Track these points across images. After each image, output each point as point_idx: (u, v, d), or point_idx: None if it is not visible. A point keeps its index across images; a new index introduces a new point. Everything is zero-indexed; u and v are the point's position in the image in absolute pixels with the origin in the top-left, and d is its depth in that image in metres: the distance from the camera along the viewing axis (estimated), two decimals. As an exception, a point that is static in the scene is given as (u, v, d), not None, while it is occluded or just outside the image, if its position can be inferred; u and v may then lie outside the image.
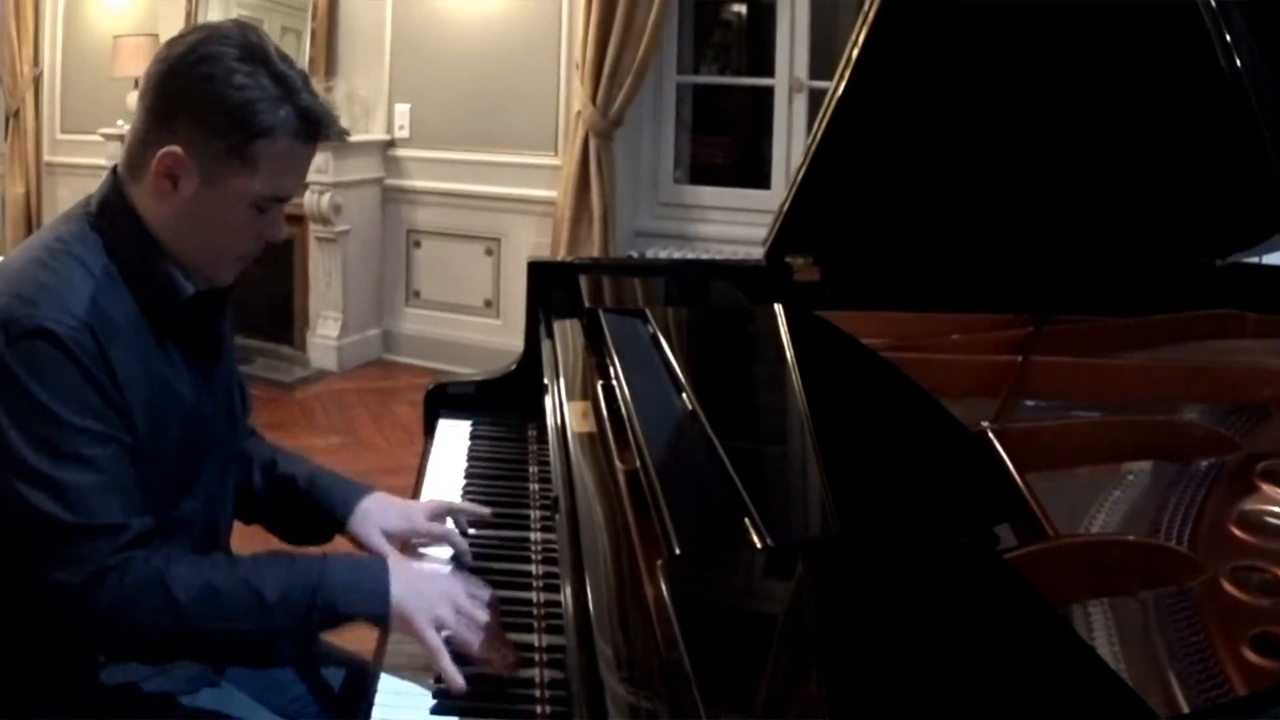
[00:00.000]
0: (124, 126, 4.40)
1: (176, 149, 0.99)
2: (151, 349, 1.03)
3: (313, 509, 1.20)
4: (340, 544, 1.19)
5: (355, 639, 1.38)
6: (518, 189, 3.96)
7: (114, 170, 1.06)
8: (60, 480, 0.92)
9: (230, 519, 1.20)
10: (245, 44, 1.00)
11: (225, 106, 0.98)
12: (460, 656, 0.97)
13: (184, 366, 1.07)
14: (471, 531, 1.23)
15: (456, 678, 0.94)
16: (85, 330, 0.96)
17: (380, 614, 0.97)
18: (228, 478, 1.17)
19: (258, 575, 0.96)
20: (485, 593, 1.03)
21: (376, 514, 1.19)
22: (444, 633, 0.97)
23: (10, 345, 0.94)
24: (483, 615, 0.99)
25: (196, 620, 0.93)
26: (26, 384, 0.93)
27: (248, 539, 1.21)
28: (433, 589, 0.99)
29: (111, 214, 1.04)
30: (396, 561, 1.00)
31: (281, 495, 1.22)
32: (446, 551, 1.19)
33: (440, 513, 1.23)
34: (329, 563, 0.98)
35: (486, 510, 1.26)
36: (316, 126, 1.02)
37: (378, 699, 0.96)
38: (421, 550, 1.20)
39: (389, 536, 1.18)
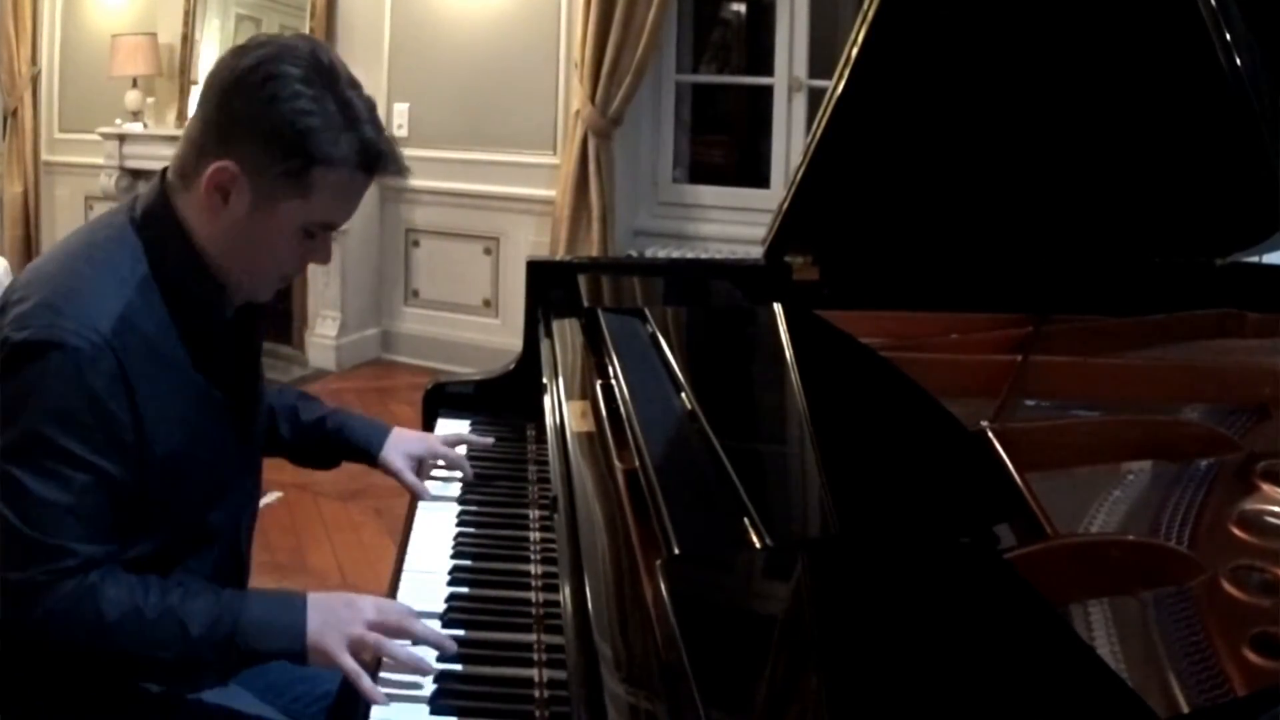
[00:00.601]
0: (122, 126, 4.41)
1: (231, 165, 0.97)
2: (183, 363, 1.02)
3: (341, 447, 1.33)
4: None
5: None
6: (517, 188, 3.96)
7: (163, 175, 1.04)
8: (30, 490, 0.92)
9: (252, 522, 1.21)
10: (315, 65, 0.98)
11: (286, 130, 0.96)
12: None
13: (217, 381, 1.07)
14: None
15: (377, 696, 0.94)
16: (106, 348, 0.95)
17: (298, 650, 0.97)
18: (255, 486, 1.20)
19: (185, 607, 0.96)
20: (396, 605, 1.04)
21: (400, 444, 1.34)
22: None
23: (24, 351, 0.93)
24: (393, 619, 0.98)
25: (121, 641, 0.94)
26: (27, 392, 0.93)
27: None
28: (344, 614, 0.98)
29: (156, 221, 1.02)
30: (315, 597, 1.00)
31: (310, 439, 1.32)
32: (455, 474, 1.37)
33: (452, 441, 1.41)
34: (251, 601, 0.99)
35: (490, 440, 1.44)
36: (376, 161, 1.01)
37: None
38: (434, 471, 1.37)
39: (411, 459, 1.33)
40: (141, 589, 0.97)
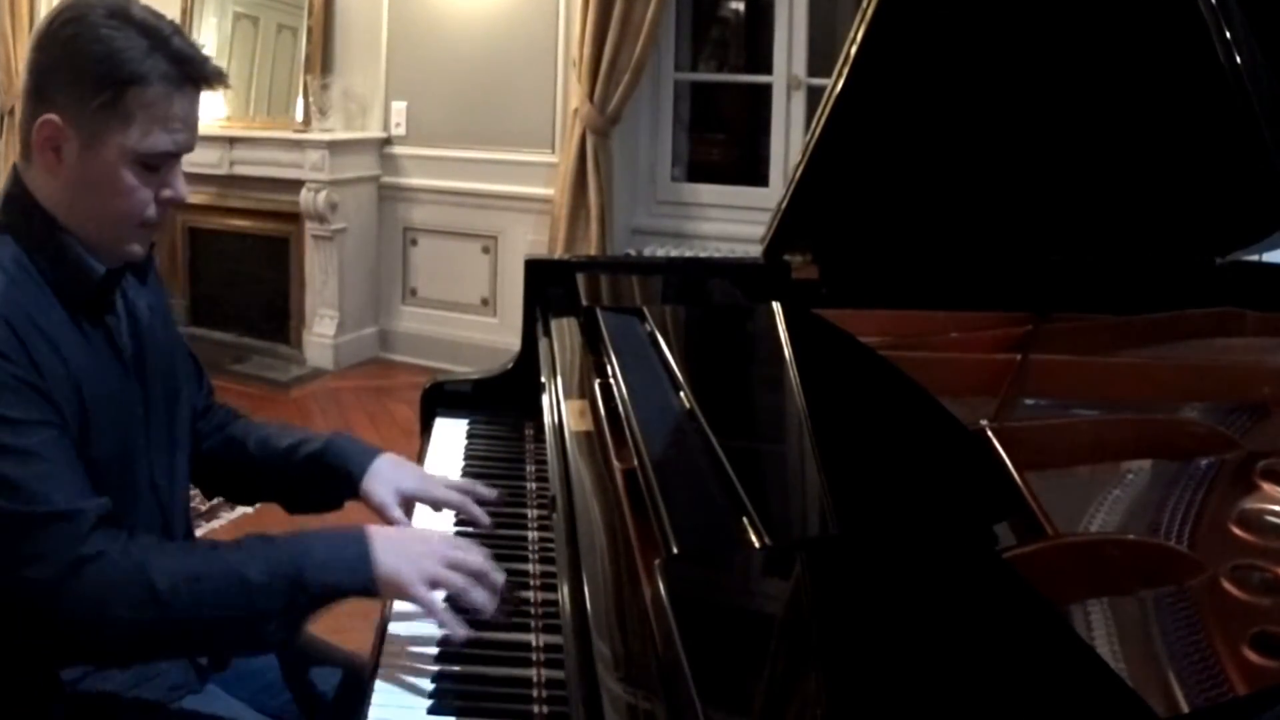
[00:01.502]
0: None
1: (52, 116, 0.97)
2: (70, 337, 1.00)
3: (324, 474, 1.18)
4: (350, 513, 1.16)
5: (352, 638, 1.37)
6: (515, 187, 3.96)
7: (14, 164, 1.04)
8: (4, 474, 0.90)
9: (185, 507, 1.17)
10: (111, 5, 0.98)
11: (91, 62, 0.96)
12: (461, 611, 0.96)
13: (108, 351, 1.04)
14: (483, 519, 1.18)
15: (458, 628, 0.93)
16: (3, 322, 0.94)
17: (368, 583, 0.94)
18: (175, 463, 1.13)
19: (239, 559, 0.93)
20: (471, 545, 1.01)
21: (391, 474, 1.17)
22: (440, 593, 0.96)
23: None
24: (475, 560, 0.97)
25: (180, 610, 0.90)
26: None
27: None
28: (417, 548, 0.97)
29: (14, 205, 1.02)
30: (376, 528, 0.98)
31: (288, 465, 1.19)
32: (449, 517, 1.19)
33: (458, 487, 1.21)
34: (309, 538, 0.96)
35: (495, 493, 1.22)
36: (188, 68, 0.99)
37: (374, 699, 0.96)
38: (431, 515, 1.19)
39: (402, 497, 1.16)
40: (189, 551, 0.96)
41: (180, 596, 0.91)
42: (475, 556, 0.98)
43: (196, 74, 1.00)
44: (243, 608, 0.92)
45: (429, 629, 1.06)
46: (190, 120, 1.01)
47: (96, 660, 1.01)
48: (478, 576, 0.97)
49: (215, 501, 1.21)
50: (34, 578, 0.89)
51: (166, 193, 1.02)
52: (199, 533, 1.21)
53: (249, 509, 2.81)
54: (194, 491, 1.25)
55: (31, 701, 1.01)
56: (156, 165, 1.00)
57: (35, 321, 0.97)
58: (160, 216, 1.04)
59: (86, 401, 1.00)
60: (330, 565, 0.94)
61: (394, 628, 1.06)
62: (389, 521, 1.14)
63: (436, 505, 1.18)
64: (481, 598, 0.96)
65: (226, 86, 1.05)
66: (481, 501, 1.19)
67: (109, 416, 1.02)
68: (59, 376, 0.97)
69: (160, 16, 1.01)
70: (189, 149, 1.03)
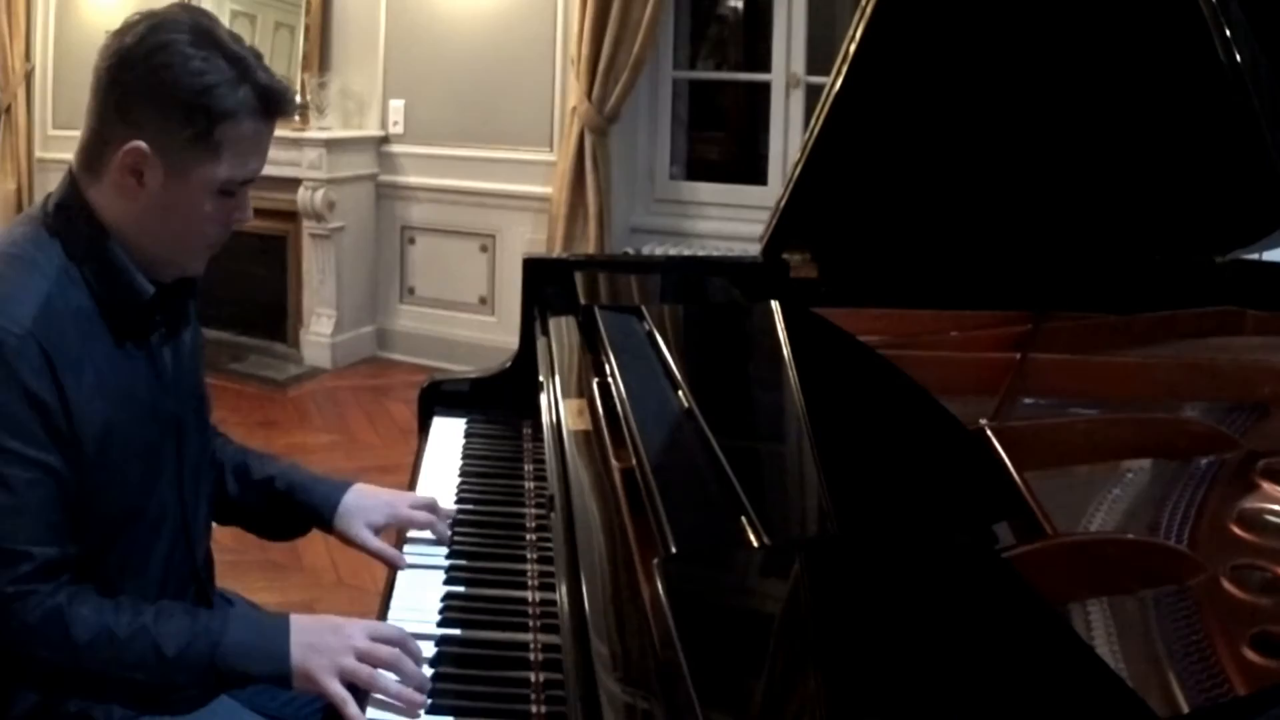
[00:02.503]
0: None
1: (139, 144, 0.97)
2: (110, 349, 1.01)
3: (295, 510, 1.21)
4: (317, 538, 1.18)
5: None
6: (513, 185, 3.95)
7: (69, 170, 1.03)
8: None
9: (207, 520, 1.18)
10: (196, 28, 0.98)
11: (185, 94, 0.96)
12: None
13: (145, 365, 1.05)
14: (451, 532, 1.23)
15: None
16: (31, 340, 0.94)
17: (282, 674, 0.96)
18: (200, 477, 1.15)
19: (159, 627, 0.94)
20: (392, 630, 1.00)
21: (359, 510, 1.20)
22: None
23: None
24: (385, 653, 0.96)
25: (91, 663, 0.92)
26: None
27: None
28: (332, 641, 0.97)
29: (68, 215, 1.01)
30: (299, 620, 0.98)
31: (259, 498, 1.22)
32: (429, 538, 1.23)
33: (422, 504, 1.24)
34: (230, 623, 0.97)
35: (454, 509, 1.28)
36: (275, 103, 1.00)
37: (371, 699, 0.96)
38: (410, 536, 1.22)
39: (376, 530, 1.19)
40: (112, 609, 0.95)
41: (96, 651, 0.92)
42: (383, 649, 0.97)
43: (280, 106, 1.01)
44: (154, 674, 0.93)
45: (427, 629, 1.06)
46: (267, 147, 1.04)
47: (18, 687, 1.01)
48: (391, 664, 0.96)
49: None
50: None
51: (237, 215, 1.04)
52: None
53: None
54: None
55: (25, 697, 1.02)
56: (234, 192, 1.02)
57: (74, 336, 0.98)
58: (226, 237, 1.06)
59: (120, 413, 1.00)
60: (246, 653, 0.95)
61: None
62: (369, 552, 1.19)
63: (404, 525, 1.23)
64: (393, 687, 0.95)
65: (298, 111, 1.06)
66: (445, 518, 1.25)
67: (140, 429, 1.03)
68: (91, 391, 0.98)
69: (239, 40, 1.01)
70: (260, 172, 1.05)
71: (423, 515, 1.22)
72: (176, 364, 1.10)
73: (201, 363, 1.19)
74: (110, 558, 1.03)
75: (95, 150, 1.00)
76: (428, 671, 0.99)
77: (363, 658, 0.96)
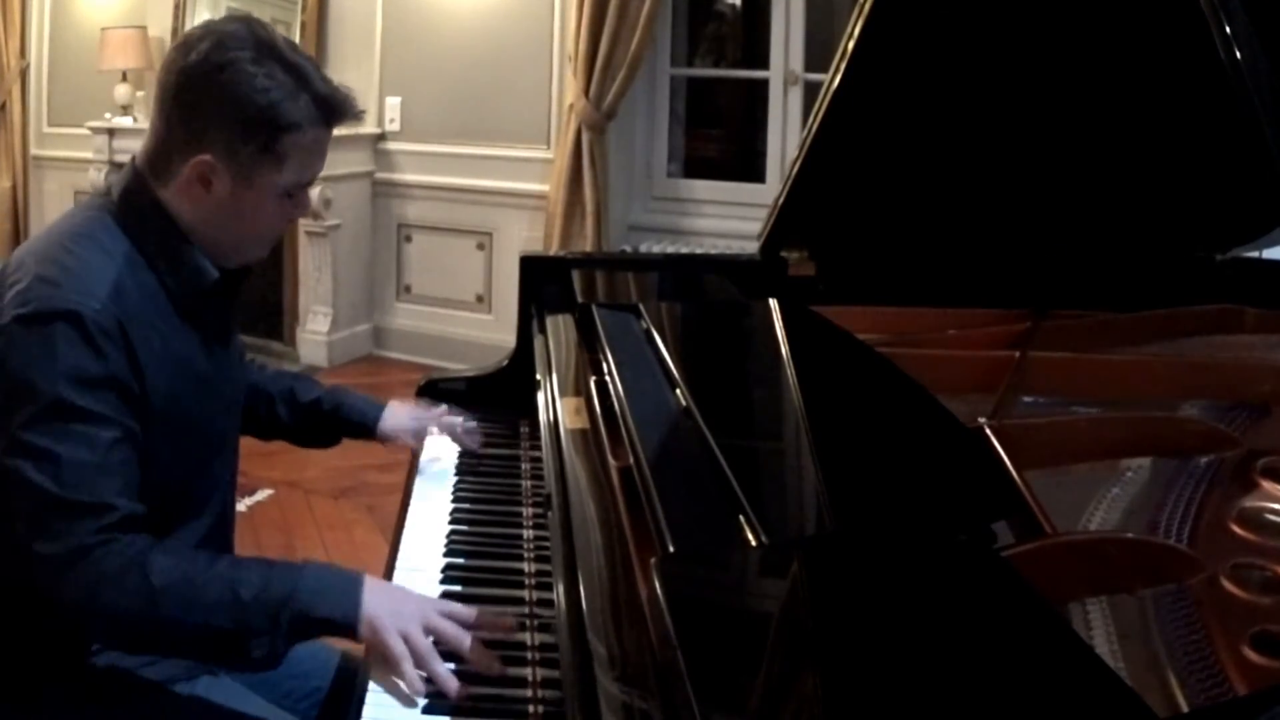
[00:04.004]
0: (112, 120, 4.37)
1: (209, 158, 1.03)
2: (177, 326, 1.07)
3: (340, 425, 1.40)
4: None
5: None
6: (510, 183, 3.95)
7: (134, 164, 1.08)
8: (58, 455, 0.94)
9: (233, 494, 1.24)
10: (257, 42, 1.03)
11: (251, 110, 1.02)
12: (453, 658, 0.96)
13: (200, 345, 1.11)
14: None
15: (416, 682, 0.93)
16: (108, 313, 0.99)
17: (351, 621, 0.96)
18: (235, 454, 1.23)
19: (236, 573, 0.96)
20: (468, 612, 1.00)
21: (396, 416, 1.42)
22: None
23: (30, 324, 0.97)
24: (452, 631, 0.97)
25: (170, 609, 0.93)
26: (40, 362, 0.96)
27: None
28: (406, 605, 0.98)
29: (135, 205, 1.07)
30: (373, 578, 1.00)
31: (307, 418, 1.38)
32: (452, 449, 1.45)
33: (442, 412, 1.48)
34: (307, 568, 0.98)
35: (475, 424, 1.48)
36: (335, 112, 1.07)
37: (368, 698, 0.95)
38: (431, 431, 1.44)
39: (407, 431, 1.41)
40: (190, 556, 0.98)
41: (172, 596, 0.93)
42: (455, 630, 0.97)
43: (340, 114, 1.07)
44: (230, 620, 0.94)
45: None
46: (326, 150, 1.10)
47: (91, 639, 1.05)
48: (455, 645, 0.97)
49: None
50: (43, 552, 0.93)
51: (298, 212, 1.11)
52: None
53: (241, 508, 2.81)
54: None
55: (46, 672, 1.05)
56: (297, 193, 1.09)
57: (142, 314, 1.03)
58: (285, 230, 1.14)
59: (181, 390, 1.06)
60: (321, 595, 0.96)
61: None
62: (402, 444, 1.42)
63: (433, 426, 1.45)
64: (441, 671, 0.95)
65: (360, 120, 1.14)
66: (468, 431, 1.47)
67: (201, 411, 1.10)
68: (157, 366, 1.03)
69: (295, 48, 1.07)
70: (320, 173, 1.12)
71: (448, 419, 1.45)
72: (226, 351, 1.17)
73: (240, 347, 1.26)
74: (159, 527, 1.04)
75: (162, 157, 1.06)
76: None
77: (430, 630, 0.96)
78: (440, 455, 1.46)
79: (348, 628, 0.96)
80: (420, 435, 1.44)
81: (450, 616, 0.98)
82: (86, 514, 0.94)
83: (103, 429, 0.97)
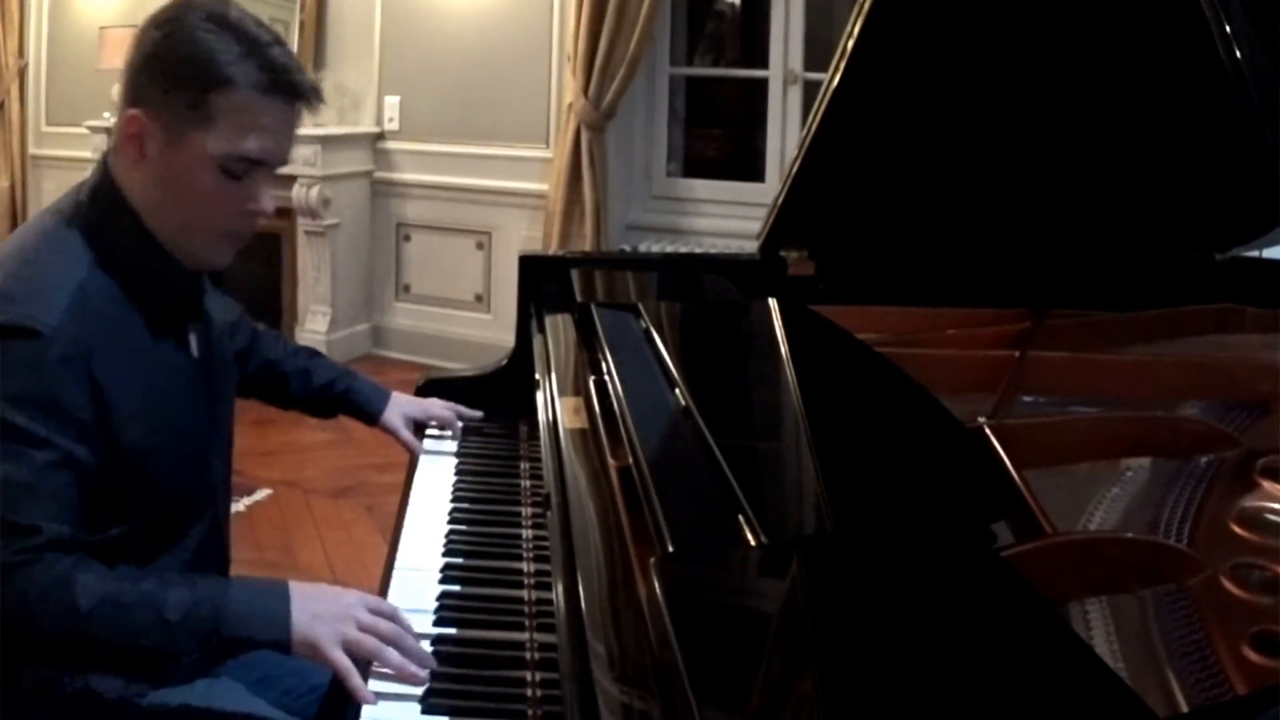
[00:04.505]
0: (111, 119, 4.37)
1: (137, 112, 0.99)
2: (144, 337, 1.03)
3: (346, 407, 1.45)
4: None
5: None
6: (509, 182, 3.94)
7: (103, 156, 1.06)
8: None
9: (228, 501, 1.23)
10: (212, 10, 1.00)
11: (180, 61, 0.97)
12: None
13: (176, 351, 1.08)
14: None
15: (367, 695, 0.92)
16: (64, 332, 0.95)
17: (282, 641, 0.95)
18: (229, 461, 1.21)
19: (162, 593, 0.94)
20: (387, 606, 1.00)
21: (398, 407, 1.47)
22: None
23: None
24: (386, 626, 0.96)
25: (97, 630, 0.92)
26: None
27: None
28: (334, 610, 0.96)
29: (101, 200, 1.03)
30: (298, 586, 0.98)
31: (317, 396, 1.44)
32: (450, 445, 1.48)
33: (444, 406, 1.53)
34: (232, 588, 0.97)
35: (479, 413, 1.53)
36: (280, 76, 0.99)
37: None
38: (430, 432, 1.49)
39: (408, 421, 1.46)
40: (115, 576, 0.95)
41: (98, 618, 0.92)
42: (384, 622, 0.97)
43: (287, 83, 0.99)
44: (158, 641, 0.93)
45: (423, 629, 1.05)
46: (279, 132, 1.01)
47: (22, 657, 1.02)
48: (393, 639, 0.96)
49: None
50: None
51: (250, 205, 1.02)
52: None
53: (240, 508, 2.81)
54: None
55: (40, 674, 1.03)
56: (238, 173, 1.00)
57: (105, 326, 0.99)
58: (245, 229, 1.04)
59: (155, 403, 1.02)
60: (247, 618, 0.95)
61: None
62: (399, 439, 1.45)
63: (429, 420, 1.50)
64: (396, 659, 0.95)
65: (321, 102, 1.05)
66: (468, 421, 1.52)
67: (182, 421, 1.06)
68: (123, 380, 0.99)
69: (262, 25, 1.01)
70: (277, 161, 1.03)
71: (447, 413, 1.50)
72: (206, 347, 1.13)
73: (226, 332, 1.24)
74: (152, 539, 1.04)
75: (116, 128, 1.02)
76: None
77: (365, 629, 0.95)
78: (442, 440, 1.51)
79: (280, 647, 0.95)
80: (421, 426, 1.48)
81: (376, 611, 0.97)
82: (9, 533, 0.91)
83: (40, 451, 0.93)
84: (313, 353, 1.48)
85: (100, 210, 1.02)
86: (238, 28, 0.99)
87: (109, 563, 0.97)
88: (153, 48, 0.99)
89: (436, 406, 1.52)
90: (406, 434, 1.45)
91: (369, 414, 1.45)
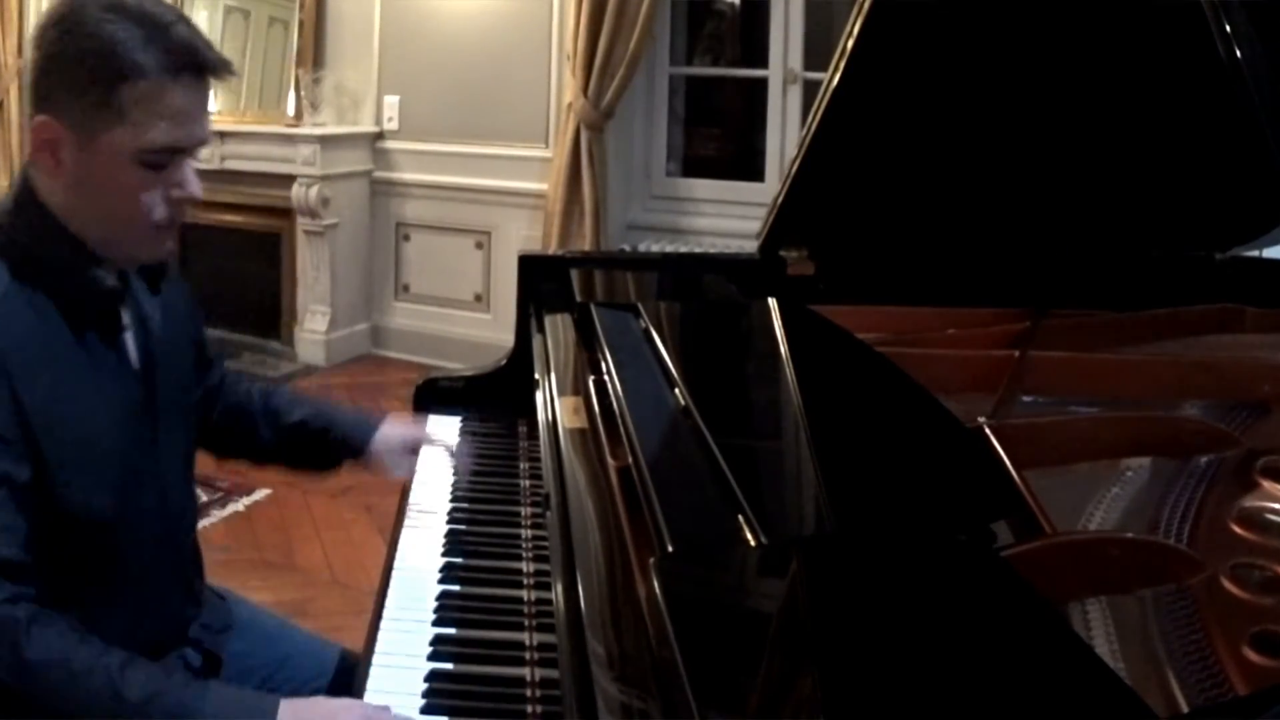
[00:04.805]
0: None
1: (46, 117, 0.94)
2: (73, 348, 0.98)
3: (332, 446, 1.27)
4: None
5: (345, 637, 1.36)
6: (508, 182, 3.94)
7: (24, 166, 1.01)
8: None
9: (194, 507, 1.17)
10: (113, 2, 0.93)
11: (84, 57, 0.91)
12: None
13: (117, 366, 1.02)
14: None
15: None
16: None
17: None
18: (187, 465, 1.13)
19: (125, 671, 0.89)
20: (385, 716, 0.94)
21: (384, 438, 1.29)
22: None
23: None
24: None
25: (41, 689, 0.88)
26: None
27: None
28: (320, 713, 0.92)
29: (23, 212, 0.98)
30: (289, 703, 0.92)
31: (295, 439, 1.27)
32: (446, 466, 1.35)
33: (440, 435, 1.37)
34: (210, 693, 0.91)
35: (468, 460, 1.37)
36: (186, 56, 0.94)
37: (366, 699, 0.95)
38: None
39: (400, 453, 1.29)
40: (76, 639, 0.91)
41: (45, 677, 0.88)
42: None
43: (196, 62, 0.95)
44: (106, 715, 0.88)
45: (423, 629, 1.05)
46: (194, 113, 0.96)
47: None
48: None
49: (202, 500, 1.24)
50: None
51: (176, 191, 0.98)
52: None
53: (239, 508, 2.81)
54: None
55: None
56: (160, 163, 0.96)
57: (29, 341, 0.95)
58: (174, 217, 1.00)
59: (84, 411, 0.97)
60: None
61: (386, 627, 1.05)
62: (389, 476, 1.29)
63: (422, 444, 1.34)
64: None
65: (232, 74, 0.99)
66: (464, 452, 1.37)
67: (117, 434, 1.00)
68: (48, 396, 0.95)
69: (160, 3, 0.96)
70: (197, 143, 0.98)
71: (442, 437, 1.37)
72: (148, 355, 1.06)
73: (195, 325, 1.17)
74: (91, 559, 1.00)
75: (29, 136, 0.97)
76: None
77: None
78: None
79: None
80: (415, 452, 1.32)
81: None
82: None
83: None
84: (282, 392, 1.33)
85: (24, 223, 0.98)
86: (136, 11, 0.93)
87: (49, 595, 0.92)
88: (52, 47, 0.93)
89: (425, 431, 1.37)
90: (398, 473, 1.30)
91: (354, 446, 1.28)
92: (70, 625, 0.93)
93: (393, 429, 1.30)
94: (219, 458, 1.32)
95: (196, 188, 0.99)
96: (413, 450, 1.32)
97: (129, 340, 1.05)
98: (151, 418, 1.07)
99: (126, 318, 1.04)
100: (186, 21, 0.96)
